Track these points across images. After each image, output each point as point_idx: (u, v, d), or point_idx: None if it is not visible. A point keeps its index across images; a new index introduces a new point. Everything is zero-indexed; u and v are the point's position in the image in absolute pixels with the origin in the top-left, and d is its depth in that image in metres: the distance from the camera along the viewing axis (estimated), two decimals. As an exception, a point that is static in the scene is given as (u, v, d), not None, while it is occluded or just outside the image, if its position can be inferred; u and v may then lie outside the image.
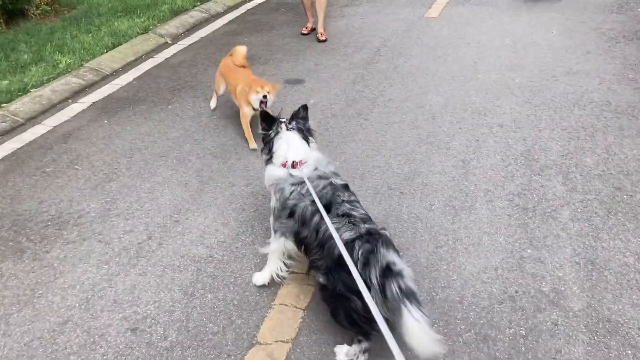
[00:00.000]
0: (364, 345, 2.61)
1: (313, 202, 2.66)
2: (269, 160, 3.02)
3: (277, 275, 3.08)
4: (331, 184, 2.77)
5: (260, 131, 3.12)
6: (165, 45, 7.23)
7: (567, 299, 2.97)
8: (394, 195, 3.93)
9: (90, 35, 7.15)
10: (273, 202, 2.95)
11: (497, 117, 4.99)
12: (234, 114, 5.06)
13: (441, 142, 4.60)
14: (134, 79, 6.16)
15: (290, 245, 2.91)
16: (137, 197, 4.00)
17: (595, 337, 2.74)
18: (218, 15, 8.51)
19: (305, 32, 7.45)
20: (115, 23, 7.61)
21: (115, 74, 6.33)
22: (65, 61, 6.25)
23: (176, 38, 7.51)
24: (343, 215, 2.59)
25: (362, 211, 2.67)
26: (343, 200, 2.67)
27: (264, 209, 3.81)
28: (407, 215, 3.71)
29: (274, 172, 2.94)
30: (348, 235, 2.49)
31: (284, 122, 3.03)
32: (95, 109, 5.44)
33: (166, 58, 6.78)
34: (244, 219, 3.72)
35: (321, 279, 2.61)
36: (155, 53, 6.98)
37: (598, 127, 4.74)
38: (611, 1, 8.58)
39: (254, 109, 4.50)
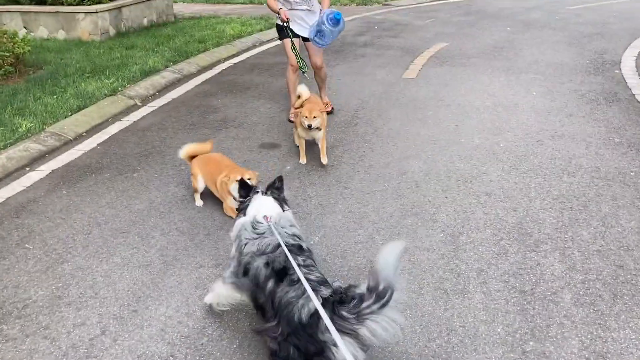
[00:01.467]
0: None
1: (266, 264, 2.62)
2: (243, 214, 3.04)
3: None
4: (285, 243, 2.68)
5: (237, 199, 3.16)
6: (134, 108, 6.92)
7: (581, 405, 2.60)
8: (379, 277, 3.56)
9: (54, 97, 6.80)
10: (232, 251, 2.96)
11: (484, 186, 4.72)
12: (204, 184, 4.71)
13: (427, 214, 4.29)
14: (99, 144, 5.79)
15: (232, 293, 2.91)
16: (93, 282, 3.56)
17: None
18: (191, 76, 8.28)
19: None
20: (83, 84, 7.30)
21: (79, 138, 5.97)
22: (26, 125, 5.88)
23: (146, 100, 7.22)
24: (299, 281, 2.44)
25: (319, 274, 2.58)
26: (298, 265, 2.52)
27: (235, 294, 3.41)
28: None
29: (241, 220, 2.96)
30: (310, 305, 2.36)
31: (260, 190, 3.10)
32: (54, 178, 5.04)
33: (134, 121, 6.46)
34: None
35: (272, 345, 2.50)
36: (124, 116, 6.65)
37: (590, 196, 4.49)
38: (587, 62, 8.60)
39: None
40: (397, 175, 4.91)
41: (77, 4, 10.00)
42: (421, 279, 3.53)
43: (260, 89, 7.62)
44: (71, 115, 6.39)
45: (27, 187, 4.87)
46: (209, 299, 3.19)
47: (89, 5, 9.96)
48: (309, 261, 2.66)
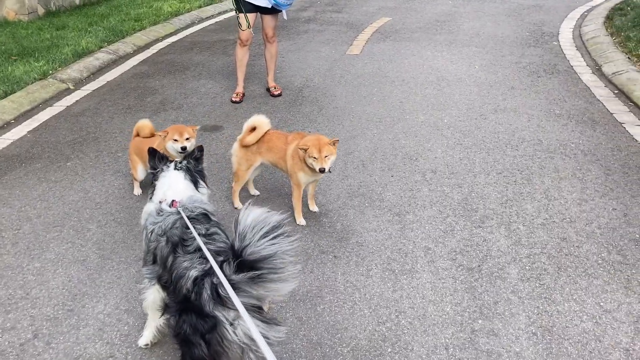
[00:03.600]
0: None
1: (166, 241, 2.45)
2: (150, 199, 2.81)
3: (159, 331, 2.77)
4: (186, 218, 2.49)
5: (148, 170, 2.97)
6: (67, 92, 6.55)
7: (529, 381, 2.61)
8: (327, 261, 3.49)
9: (-22, 82, 6.36)
10: (143, 245, 2.70)
11: (429, 162, 4.69)
12: (143, 171, 4.50)
13: (374, 194, 4.23)
14: (29, 132, 5.46)
15: (159, 292, 2.62)
16: (23, 282, 3.34)
17: None
18: (127, 57, 7.92)
19: (237, 100, 6.19)
20: (9, 68, 6.84)
21: (7, 126, 5.60)
22: (-54, 114, 5.47)
23: (79, 83, 6.85)
24: (195, 251, 2.34)
25: (221, 244, 2.41)
26: (199, 234, 2.38)
27: (178, 287, 3.26)
28: (343, 284, 3.27)
29: (148, 207, 2.75)
30: (196, 272, 2.22)
31: (174, 161, 2.85)
32: (-21, 170, 4.71)
33: (67, 106, 6.11)
34: (153, 301, 3.16)
35: (172, 321, 2.30)
36: (55, 101, 6.29)
37: (533, 169, 4.53)
38: (527, 35, 8.70)
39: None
40: (343, 155, 4.83)
41: (0, -18, 9.36)
42: (369, 261, 3.48)
43: (200, 68, 7.36)
44: (-3, 101, 5.99)
45: (-50, 181, 4.54)
46: (140, 340, 2.85)
47: (14, -18, 9.34)
48: (212, 229, 2.50)
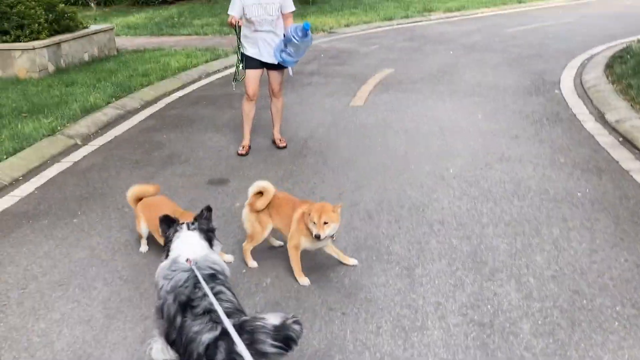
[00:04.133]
0: None
1: (174, 300, 2.48)
2: (166, 257, 2.88)
3: None
4: (195, 277, 2.54)
5: (160, 235, 3.04)
6: (75, 147, 6.64)
7: None
8: (335, 318, 3.44)
9: (-13, 140, 6.45)
10: (156, 300, 2.76)
11: (437, 213, 4.68)
12: (149, 227, 4.49)
13: (381, 246, 4.20)
14: (36, 189, 5.49)
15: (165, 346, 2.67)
16: (28, 344, 3.29)
17: None
18: (134, 112, 8.04)
19: (243, 153, 6.21)
20: (19, 125, 6.96)
21: (15, 183, 5.64)
22: (-45, 172, 5.53)
23: (87, 139, 6.94)
24: (204, 314, 2.38)
25: (228, 304, 2.45)
26: (204, 295, 2.42)
27: (184, 347, 3.21)
28: (353, 343, 3.21)
29: (163, 263, 2.79)
30: (208, 336, 2.27)
31: (186, 223, 2.94)
32: (-14, 228, 4.72)
33: (74, 162, 6.18)
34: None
35: None
36: (63, 156, 6.36)
37: (541, 219, 4.50)
38: (528, 84, 8.81)
39: None
40: (349, 207, 4.82)
41: (12, 41, 9.61)
42: (379, 317, 3.42)
43: (206, 121, 7.46)
44: (7, 158, 6.05)
45: (-43, 239, 4.54)
46: None
47: (26, 41, 9.59)
48: (218, 288, 2.54)
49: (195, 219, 3.01)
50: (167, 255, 2.86)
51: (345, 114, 7.57)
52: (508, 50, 11.68)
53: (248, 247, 4.05)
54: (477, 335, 3.23)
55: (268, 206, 3.91)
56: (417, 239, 4.29)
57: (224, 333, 2.23)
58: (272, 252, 4.19)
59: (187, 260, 2.67)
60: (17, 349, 3.26)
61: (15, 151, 6.25)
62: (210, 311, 2.37)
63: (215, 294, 2.45)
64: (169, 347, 2.63)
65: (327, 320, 3.42)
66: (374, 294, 3.65)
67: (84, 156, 6.35)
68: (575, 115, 7.15)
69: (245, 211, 4.03)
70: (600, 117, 6.99)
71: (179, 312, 2.44)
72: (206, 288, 2.43)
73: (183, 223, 2.96)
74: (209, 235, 2.96)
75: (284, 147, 6.37)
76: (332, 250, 3.95)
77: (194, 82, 9.87)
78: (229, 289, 2.62)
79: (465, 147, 6.16)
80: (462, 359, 3.04)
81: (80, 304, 3.65)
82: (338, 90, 8.85)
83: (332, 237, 3.67)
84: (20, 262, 4.17)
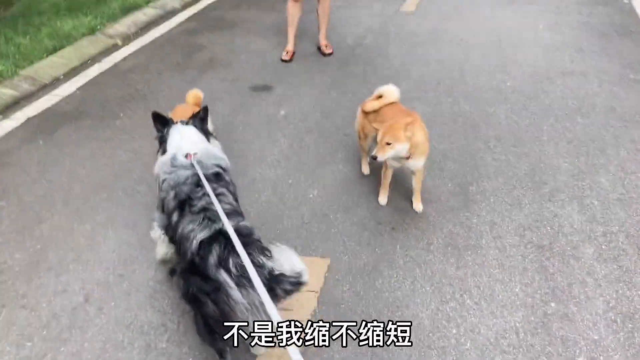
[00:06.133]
0: None
1: (175, 196, 2.42)
2: (163, 153, 2.79)
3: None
4: (196, 174, 2.45)
5: (155, 135, 2.88)
6: (115, 48, 6.44)
7: (610, 374, 2.39)
8: (385, 232, 3.30)
9: (27, 37, 6.28)
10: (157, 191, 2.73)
11: (493, 129, 4.40)
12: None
13: (433, 162, 3.98)
14: (78, 89, 5.37)
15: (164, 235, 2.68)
16: (74, 244, 3.28)
17: None
18: (175, 12, 7.72)
19: (287, 59, 5.91)
20: (58, 23, 6.75)
21: (56, 83, 5.53)
22: (-3, 68, 5.42)
23: (127, 39, 6.71)
24: (200, 211, 2.30)
25: (227, 206, 2.38)
26: (204, 194, 2.35)
27: (230, 255, 3.15)
28: (403, 259, 3.09)
29: (163, 158, 2.69)
30: (201, 235, 2.21)
31: (180, 120, 2.84)
32: (29, 127, 4.66)
33: (115, 63, 6.00)
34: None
35: (180, 283, 2.38)
36: (104, 57, 6.18)
37: (607, 139, 4.19)
38: (595, -8, 8.09)
39: None
40: (399, 119, 4.57)
41: None
42: (430, 234, 3.28)
43: (248, 25, 7.12)
44: (46, 57, 5.91)
45: (1, 137, 4.50)
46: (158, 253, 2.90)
47: None
48: (220, 189, 2.45)
49: (190, 118, 2.86)
50: (163, 152, 2.76)
51: (395, 20, 7.11)
52: (573, -44, 10.70)
53: (362, 153, 3.84)
54: (536, 257, 3.06)
55: (377, 114, 3.48)
56: (472, 155, 4.06)
57: (219, 234, 2.19)
58: (318, 165, 4.02)
59: (186, 155, 2.56)
60: (64, 248, 3.24)
61: (55, 50, 6.09)
62: (206, 209, 2.30)
63: (217, 195, 2.37)
64: (166, 240, 2.64)
65: (376, 234, 3.29)
66: (425, 210, 3.48)
67: (125, 57, 6.16)
68: (647, 28, 6.56)
69: (359, 110, 3.69)
70: (675, 31, 6.40)
71: (177, 209, 2.39)
72: (207, 187, 2.34)
73: (177, 121, 2.83)
74: (204, 130, 2.85)
75: (330, 54, 6.05)
76: (416, 180, 3.43)
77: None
78: (231, 192, 2.53)
79: (525, 59, 5.73)
80: (520, 281, 2.90)
81: (125, 208, 3.60)
82: (387, -5, 8.30)
83: (406, 158, 3.16)
84: (64, 163, 4.11)
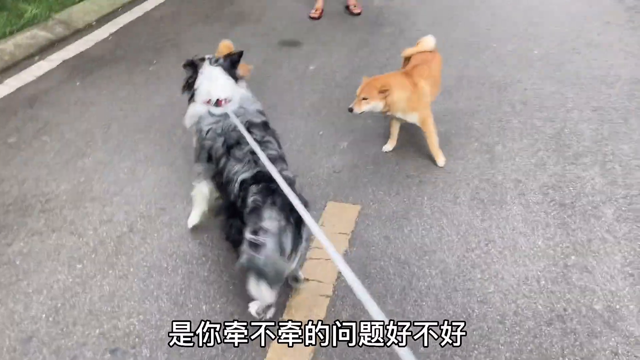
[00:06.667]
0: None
1: (224, 142, 2.47)
2: (191, 99, 2.76)
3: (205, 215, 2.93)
4: (247, 122, 2.52)
5: (184, 77, 2.84)
6: (145, -4, 6.50)
7: (625, 321, 2.55)
8: (413, 185, 3.44)
9: (60, -18, 6.35)
10: (194, 143, 2.77)
11: (519, 94, 4.49)
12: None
13: (460, 122, 4.10)
14: (110, 35, 5.48)
15: (209, 187, 2.74)
16: (116, 178, 3.44)
17: (663, 371, 2.34)
18: (203, -35, 7.73)
19: (316, 16, 6.01)
20: (88, -31, 6.80)
21: (89, 28, 5.63)
22: (31, 11, 5.52)
23: (157, -12, 6.77)
24: (244, 156, 2.38)
25: (273, 152, 2.46)
26: (254, 139, 2.40)
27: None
28: (430, 209, 3.23)
29: (195, 109, 2.69)
30: (242, 176, 2.31)
31: (209, 58, 2.80)
32: (66, 68, 4.78)
33: (146, 11, 6.09)
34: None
35: (222, 223, 2.47)
36: (134, 5, 6.27)
37: (630, 109, 4.28)
38: (625, -33, 8.04)
39: None
40: (426, 80, 4.66)
41: None
42: (456, 188, 3.41)
43: (277, -19, 7.15)
44: (79, 2, 6.00)
45: (38, 77, 4.64)
46: (189, 221, 3.01)
47: None
48: (267, 138, 2.52)
49: (225, 57, 2.83)
50: (192, 97, 2.76)
51: (423, -16, 7.11)
52: None
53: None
54: (558, 214, 3.20)
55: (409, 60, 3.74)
56: (498, 117, 4.16)
57: (258, 177, 2.27)
58: (348, 119, 4.13)
59: (216, 102, 2.61)
60: (107, 181, 3.40)
61: (87, -5, 6.17)
62: (252, 152, 2.36)
63: (264, 142, 2.46)
64: (211, 185, 2.70)
65: (405, 185, 3.43)
66: (452, 166, 3.61)
67: (156, 6, 6.24)
68: (675, 4, 6.55)
69: None
70: None
71: (225, 154, 2.44)
72: (247, 136, 2.40)
73: (206, 58, 2.81)
74: (233, 73, 2.81)
75: (359, 14, 6.10)
76: (426, 135, 3.60)
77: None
78: (276, 139, 2.59)
79: (553, 29, 5.77)
80: (542, 234, 3.04)
81: (163, 148, 3.75)
82: (415, -41, 8.27)
83: (384, 112, 3.41)
84: (101, 103, 4.25)
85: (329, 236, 2.28)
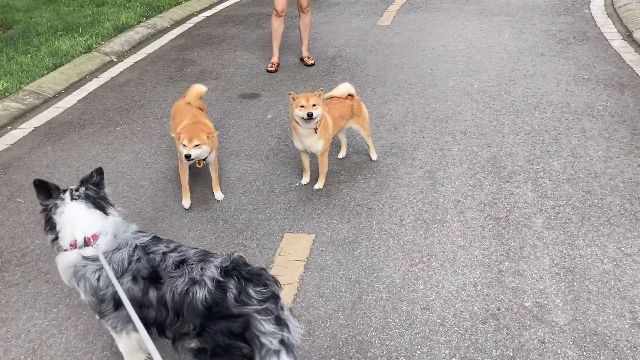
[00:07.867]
0: None
1: (134, 279, 2.19)
2: (55, 242, 2.34)
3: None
4: (140, 247, 2.25)
5: (40, 207, 2.39)
6: (111, 64, 6.90)
7: (551, 313, 2.84)
8: (362, 212, 3.75)
9: (28, 56, 6.74)
10: (83, 297, 2.32)
11: (460, 125, 4.89)
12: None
13: (405, 154, 4.46)
14: (79, 101, 5.81)
15: (135, 335, 2.39)
16: (87, 230, 3.68)
17: (585, 353, 2.62)
18: (165, 31, 8.22)
19: (272, 70, 6.42)
20: (56, 42, 7.22)
21: (58, 96, 5.97)
22: (2, 85, 5.85)
23: (122, 56, 7.19)
24: (178, 267, 2.14)
25: (193, 251, 2.22)
26: (163, 254, 2.20)
27: (226, 234, 3.57)
28: (378, 232, 3.53)
29: (65, 259, 2.30)
30: (209, 274, 2.07)
31: (69, 190, 2.36)
32: (37, 135, 5.08)
33: (112, 77, 6.46)
34: (203, 247, 3.47)
35: (194, 344, 2.08)
36: (100, 72, 6.64)
37: (561, 129, 4.69)
38: (557, 3, 8.71)
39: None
40: (376, 119, 5.05)
41: (42, -39, 9.72)
42: (402, 212, 3.73)
43: (235, 40, 7.62)
44: (48, 73, 6.36)
45: (11, 144, 4.92)
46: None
47: (55, -39, 9.69)
48: (172, 244, 2.28)
49: (82, 182, 2.40)
50: (55, 237, 2.33)
51: (372, 33, 7.65)
52: (539, -29, 11.38)
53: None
54: (493, 227, 3.52)
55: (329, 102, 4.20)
56: (440, 147, 4.53)
57: (227, 272, 2.07)
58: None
59: (86, 238, 2.26)
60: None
61: (55, 67, 6.54)
62: (183, 261, 2.16)
63: (174, 250, 2.24)
64: (131, 333, 2.39)
65: (355, 213, 3.74)
66: (398, 193, 3.94)
67: (120, 72, 6.61)
68: (603, 34, 7.13)
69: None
70: (628, 36, 6.98)
71: (150, 284, 2.16)
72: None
73: (65, 191, 2.36)
74: (99, 202, 2.38)
75: (312, 65, 6.55)
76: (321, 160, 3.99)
77: (221, 1, 9.94)
78: (179, 244, 2.33)
79: (491, 64, 6.27)
80: (479, 246, 3.35)
81: (130, 199, 4.02)
82: (365, 10, 8.87)
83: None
84: (71, 164, 4.53)
85: (285, 264, 2.52)
